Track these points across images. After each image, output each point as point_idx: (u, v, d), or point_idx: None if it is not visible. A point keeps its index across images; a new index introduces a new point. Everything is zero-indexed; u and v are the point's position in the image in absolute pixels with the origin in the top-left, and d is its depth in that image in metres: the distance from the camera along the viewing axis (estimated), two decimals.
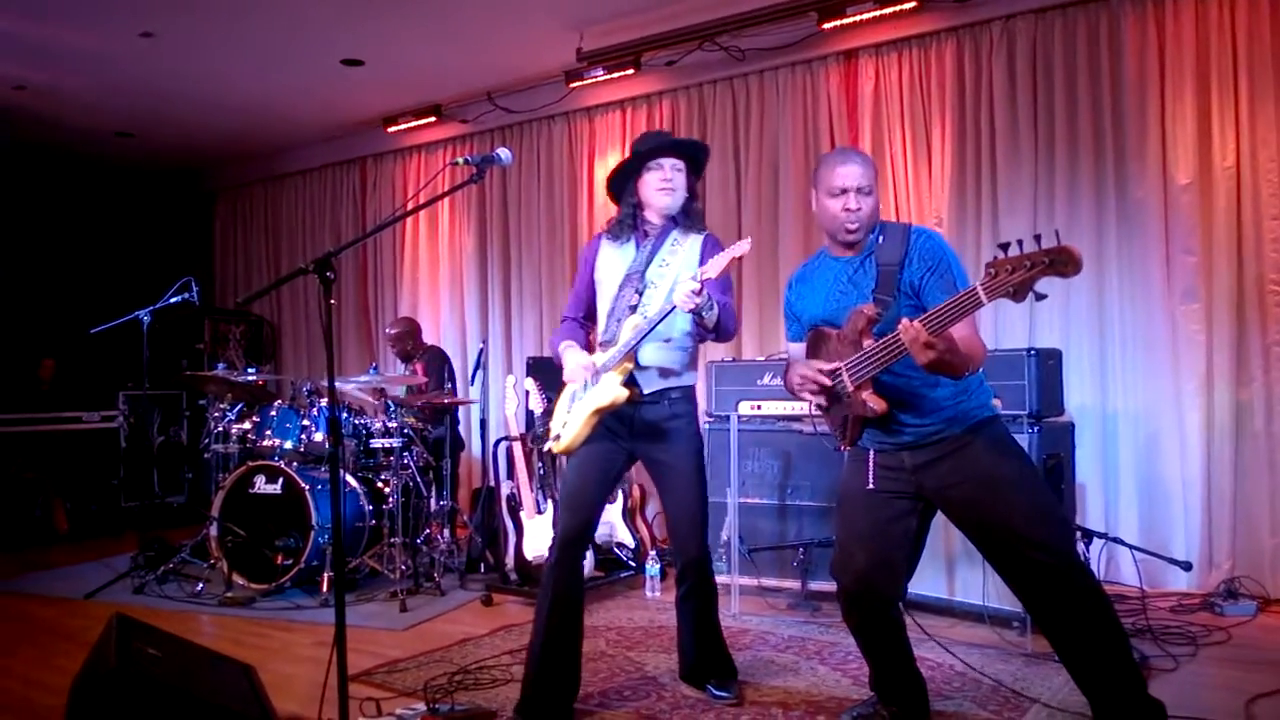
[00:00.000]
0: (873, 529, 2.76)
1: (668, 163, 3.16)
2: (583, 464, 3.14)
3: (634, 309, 3.09)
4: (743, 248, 2.85)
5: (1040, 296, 2.14)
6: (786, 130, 5.88)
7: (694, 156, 3.26)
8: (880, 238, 2.72)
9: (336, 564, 2.78)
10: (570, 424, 3.10)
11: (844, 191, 2.69)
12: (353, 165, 8.18)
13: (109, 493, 7.38)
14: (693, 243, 3.16)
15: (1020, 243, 2.13)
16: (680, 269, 3.08)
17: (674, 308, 2.87)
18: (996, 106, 5.20)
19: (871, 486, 2.74)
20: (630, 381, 3.07)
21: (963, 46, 5.33)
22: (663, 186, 3.14)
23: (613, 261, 3.25)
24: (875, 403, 2.54)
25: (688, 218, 3.21)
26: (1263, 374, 4.50)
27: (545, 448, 3.28)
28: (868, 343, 2.52)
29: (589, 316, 3.33)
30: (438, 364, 6.01)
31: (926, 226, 2.76)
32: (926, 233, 2.72)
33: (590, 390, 3.07)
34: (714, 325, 2.99)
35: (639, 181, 3.19)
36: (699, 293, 2.80)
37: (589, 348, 3.25)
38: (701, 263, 3.04)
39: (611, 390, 3.01)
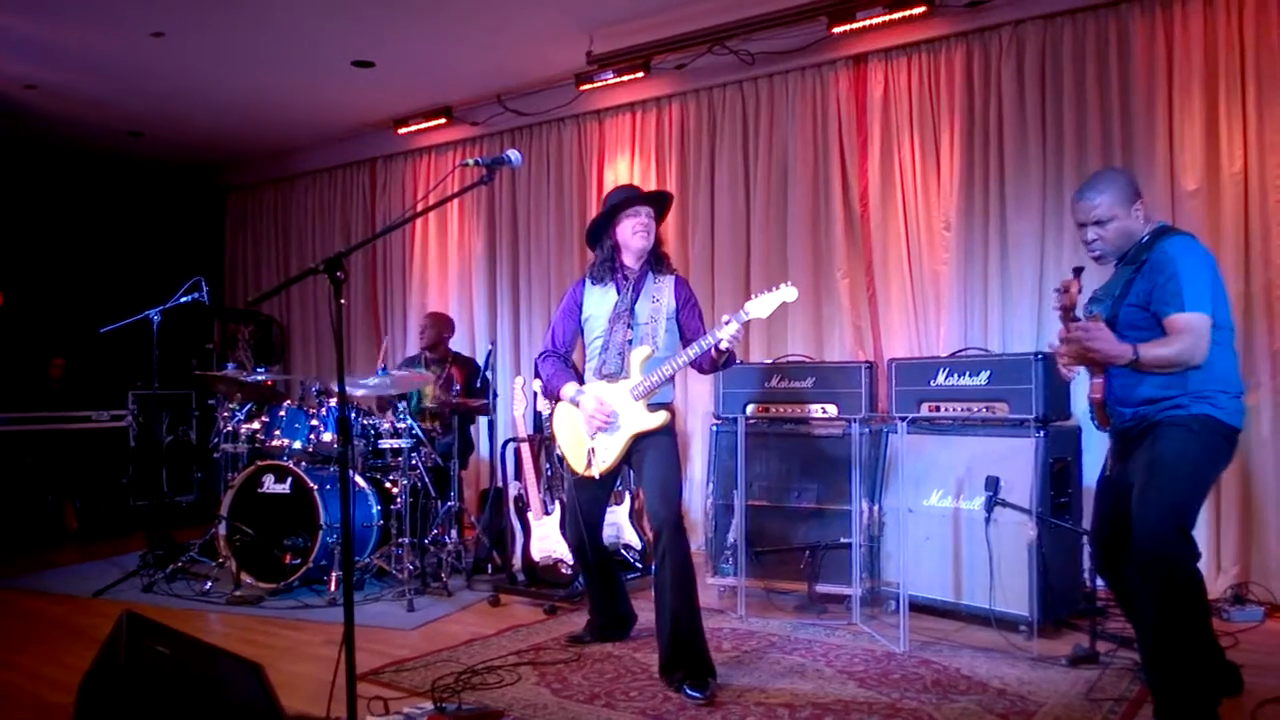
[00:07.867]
0: (1098, 526, 3.14)
1: (643, 210, 3.68)
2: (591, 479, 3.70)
3: (631, 343, 3.61)
4: (791, 294, 3.38)
5: None
6: (796, 134, 5.89)
7: (661, 205, 3.81)
8: (1147, 254, 2.90)
9: (345, 563, 2.79)
10: (609, 447, 3.63)
11: (1081, 225, 3.00)
12: (363, 166, 8.22)
13: (118, 492, 7.39)
14: (667, 283, 3.71)
15: None
16: (666, 303, 3.66)
17: (717, 341, 3.36)
18: (1005, 111, 5.20)
19: (1107, 474, 3.10)
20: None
21: (972, 51, 5.33)
22: (639, 230, 3.65)
23: (599, 301, 3.74)
24: (1065, 371, 2.97)
25: (658, 262, 3.74)
26: (1270, 379, 4.49)
27: (585, 473, 3.68)
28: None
29: (570, 349, 3.85)
30: (473, 376, 6.03)
31: (1180, 233, 2.95)
32: (1166, 244, 2.87)
33: (624, 417, 3.59)
34: (721, 364, 3.52)
35: (616, 227, 3.69)
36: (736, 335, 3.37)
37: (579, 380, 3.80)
38: (677, 298, 3.67)
39: (654, 417, 3.57)
